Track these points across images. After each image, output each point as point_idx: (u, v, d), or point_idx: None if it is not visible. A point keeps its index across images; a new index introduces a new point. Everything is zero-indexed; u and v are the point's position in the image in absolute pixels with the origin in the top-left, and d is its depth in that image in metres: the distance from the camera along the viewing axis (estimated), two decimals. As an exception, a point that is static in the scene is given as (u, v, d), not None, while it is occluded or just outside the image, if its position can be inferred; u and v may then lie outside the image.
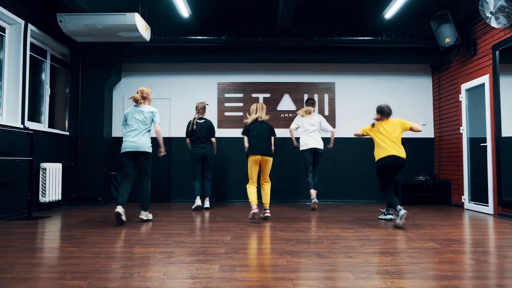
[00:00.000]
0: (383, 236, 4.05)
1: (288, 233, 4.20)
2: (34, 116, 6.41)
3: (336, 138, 7.64)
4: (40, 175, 6.02)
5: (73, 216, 5.60)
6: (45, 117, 6.59)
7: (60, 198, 6.43)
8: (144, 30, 6.25)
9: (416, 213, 6.05)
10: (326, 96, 7.88)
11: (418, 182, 7.25)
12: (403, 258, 3.12)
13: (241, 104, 7.84)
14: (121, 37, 6.35)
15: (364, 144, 7.75)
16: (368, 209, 6.52)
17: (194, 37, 6.77)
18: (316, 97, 7.84)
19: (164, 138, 7.61)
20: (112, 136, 7.54)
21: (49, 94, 6.68)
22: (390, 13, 6.14)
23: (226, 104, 7.85)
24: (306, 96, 7.85)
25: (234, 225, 4.81)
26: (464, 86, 6.70)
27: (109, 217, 5.46)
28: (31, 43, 6.11)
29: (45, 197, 6.01)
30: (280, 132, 7.62)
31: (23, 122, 5.70)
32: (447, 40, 6.35)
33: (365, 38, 6.80)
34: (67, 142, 7.03)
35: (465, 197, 6.67)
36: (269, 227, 4.69)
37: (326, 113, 7.83)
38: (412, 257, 3.13)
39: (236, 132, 7.70)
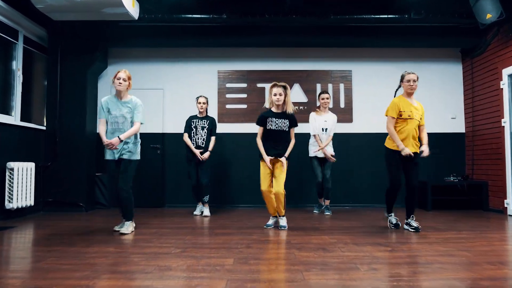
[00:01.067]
0: (435, 258, 3.07)
1: (307, 253, 3.23)
2: (4, 107, 5.46)
3: (353, 134, 6.73)
4: (7, 177, 5.06)
5: (44, 226, 4.64)
6: (16, 109, 5.62)
7: (32, 204, 5.48)
8: (130, 5, 5.30)
9: (455, 221, 5.06)
10: (341, 86, 6.89)
11: (450, 183, 6.25)
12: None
13: (244, 95, 6.87)
14: (105, 14, 5.41)
15: (384, 139, 6.75)
16: (402, 215, 5.54)
17: (190, 16, 5.80)
18: (330, 87, 6.86)
19: (157, 134, 6.69)
20: (97, 131, 6.56)
21: (22, 82, 5.71)
22: (422, -17, 5.16)
23: (228, 96, 6.88)
24: (318, 86, 6.88)
25: (237, 240, 3.84)
26: (507, 71, 5.71)
27: (88, 227, 4.50)
28: (-2, 21, 5.17)
29: (12, 202, 5.05)
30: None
31: (-16, 113, 4.75)
32: (488, 16, 5.35)
33: (389, 16, 5.81)
34: (44, 138, 6.07)
35: (509, 201, 5.68)
36: (282, 242, 3.72)
37: (342, 105, 6.85)
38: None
39: (239, 127, 6.73)
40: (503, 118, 5.79)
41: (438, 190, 6.30)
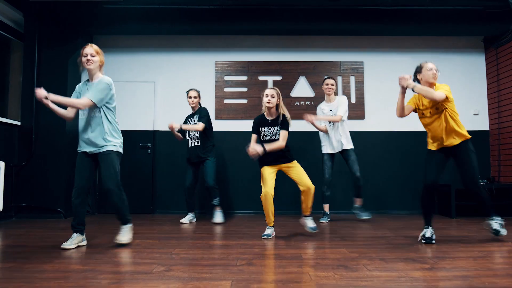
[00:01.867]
0: (491, 279, 2.37)
1: (326, 273, 2.52)
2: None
3: (365, 133, 6.03)
4: (-30, 178, 4.37)
5: (8, 236, 3.94)
6: (-15, 101, 4.95)
7: (1, 209, 4.76)
8: (114, -19, 4.63)
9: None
10: (352, 79, 6.22)
11: (476, 187, 5.54)
12: None
13: (245, 89, 6.19)
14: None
15: (400, 138, 6.09)
16: (415, 224, 4.85)
17: (184, -4, 5.13)
18: (339, 79, 6.18)
19: (147, 132, 6.01)
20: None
21: (-8, 71, 5.05)
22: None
23: (226, 89, 6.19)
24: (327, 79, 6.20)
25: (236, 254, 3.13)
26: (542, 60, 5.05)
27: (60, 237, 3.79)
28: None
29: (-25, 208, 4.36)
30: (296, 125, 5.99)
31: None
32: (523, -5, 4.70)
33: (408, -3, 5.15)
34: (18, 134, 5.38)
35: (545, 207, 4.99)
36: (292, 257, 3.01)
37: (353, 100, 6.17)
38: None
39: (239, 124, 6.05)
40: (537, 113, 5.12)
41: (462, 195, 5.60)
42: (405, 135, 6.08)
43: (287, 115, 3.90)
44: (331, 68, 6.19)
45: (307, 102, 6.12)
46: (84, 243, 3.44)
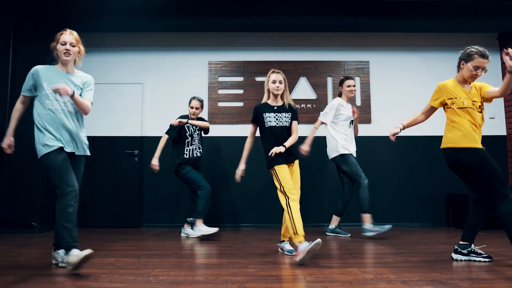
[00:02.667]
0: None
1: (338, 301, 1.99)
2: None
3: (372, 138, 5.52)
4: None
5: (-36, 254, 3.40)
6: (-49, 102, 4.45)
7: (-35, 223, 4.23)
8: (94, -32, 4.17)
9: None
10: (357, 80, 5.73)
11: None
12: None
13: (241, 91, 5.70)
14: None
15: (410, 143, 5.59)
16: (431, 238, 4.32)
17: (173, -13, 4.67)
18: (343, 80, 5.70)
19: (134, 138, 5.52)
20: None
21: (-40, 69, 4.56)
22: None
23: (221, 91, 5.71)
24: (330, 80, 5.74)
25: (226, 275, 2.60)
26: None
27: (26, 256, 3.25)
28: None
29: None
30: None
31: None
32: (548, -18, 4.25)
33: (419, -13, 4.70)
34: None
35: None
36: (293, 278, 2.47)
37: (358, 102, 5.68)
38: None
39: (234, 129, 5.55)
40: None
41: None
42: (416, 140, 5.58)
43: (293, 104, 3.47)
44: (334, 68, 5.71)
45: (308, 105, 5.63)
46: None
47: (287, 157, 3.28)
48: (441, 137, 3.21)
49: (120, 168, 5.46)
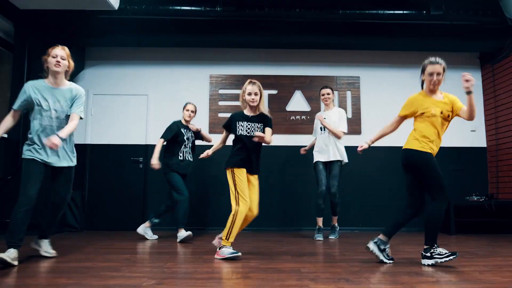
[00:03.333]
0: (503, 293, 2.23)
1: (327, 286, 2.37)
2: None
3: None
4: (-49, 190, 4.16)
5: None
6: (-29, 111, 4.79)
7: (-17, 224, 4.54)
8: (109, -9, 4.58)
9: (490, 245, 4.22)
10: (348, 94, 6.17)
11: (475, 203, 5.45)
12: None
13: (239, 103, 6.07)
14: (80, 3, 4.67)
15: (398, 153, 5.98)
16: (414, 240, 4.71)
17: (178, 7, 5.11)
18: (336, 94, 6.12)
19: (139, 146, 5.87)
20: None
21: (-20, 81, 4.90)
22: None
23: (221, 103, 6.10)
24: (323, 93, 6.15)
25: (231, 267, 2.96)
26: (539, 75, 5.04)
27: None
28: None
29: (-45, 221, 4.14)
30: (291, 140, 5.92)
31: None
32: (519, 10, 4.72)
33: (406, 12, 5.17)
34: (4, 147, 5.20)
35: (546, 223, 4.88)
36: (290, 271, 2.84)
37: (349, 115, 6.09)
38: None
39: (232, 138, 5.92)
40: (535, 127, 5.07)
41: (461, 211, 5.48)
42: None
43: (269, 115, 3.59)
44: (327, 83, 6.13)
45: (303, 117, 6.03)
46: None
47: (250, 167, 3.46)
48: None
49: (126, 174, 5.81)
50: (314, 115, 5.95)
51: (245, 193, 3.35)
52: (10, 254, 2.90)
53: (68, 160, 3.30)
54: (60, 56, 3.14)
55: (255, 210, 3.49)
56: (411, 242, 4.53)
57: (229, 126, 3.60)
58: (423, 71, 3.39)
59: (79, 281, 2.46)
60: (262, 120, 3.54)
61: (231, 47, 6.06)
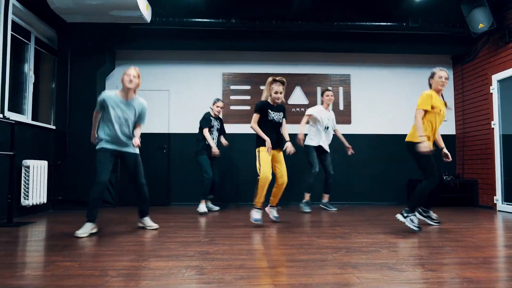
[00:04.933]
0: (445, 243, 3.38)
1: (328, 240, 3.50)
2: (16, 106, 5.56)
3: (351, 135, 6.97)
4: (23, 174, 5.17)
5: (63, 222, 4.78)
6: (28, 107, 5.74)
7: (45, 201, 5.59)
8: (145, 8, 5.51)
9: (450, 215, 5.41)
10: (341, 89, 7.23)
11: (445, 182, 6.64)
12: (499, 270, 2.45)
13: (248, 97, 7.12)
14: (119, 17, 5.60)
15: (381, 140, 7.13)
16: (394, 211, 5.89)
17: (200, 20, 6.05)
18: (330, 90, 7.19)
19: (163, 134, 6.88)
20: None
21: (33, 82, 5.84)
22: (421, -7, 5.55)
23: (232, 97, 7.12)
24: (318, 89, 7.19)
25: (258, 230, 4.07)
26: (496, 77, 6.13)
27: (106, 223, 4.66)
28: (13, 21, 5.28)
29: (28, 199, 5.16)
30: (292, 129, 6.96)
31: (2, 111, 4.86)
32: (481, 25, 5.78)
33: (389, 24, 6.20)
34: (53, 137, 6.19)
35: (498, 197, 6.08)
36: (300, 232, 3.96)
37: (341, 107, 7.18)
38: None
39: (242, 128, 6.97)
40: (492, 120, 6.20)
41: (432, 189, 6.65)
42: (386, 138, 7.12)
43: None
44: (322, 80, 7.18)
45: (302, 109, 7.08)
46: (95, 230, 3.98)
47: (277, 142, 4.46)
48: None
49: (152, 159, 6.84)
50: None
51: (265, 167, 4.32)
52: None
53: (132, 148, 4.16)
54: (132, 75, 3.89)
55: (285, 177, 4.50)
56: (390, 212, 5.69)
57: (262, 111, 4.41)
58: (432, 76, 4.21)
59: (155, 239, 3.54)
60: (282, 110, 4.57)
61: (241, 50, 7.01)
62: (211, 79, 7.12)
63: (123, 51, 6.98)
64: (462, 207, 6.52)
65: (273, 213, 4.71)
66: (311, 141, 5.96)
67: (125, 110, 3.99)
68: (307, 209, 5.77)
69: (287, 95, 7.14)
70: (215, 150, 5.75)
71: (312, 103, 7.09)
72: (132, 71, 3.92)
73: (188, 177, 6.87)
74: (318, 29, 6.26)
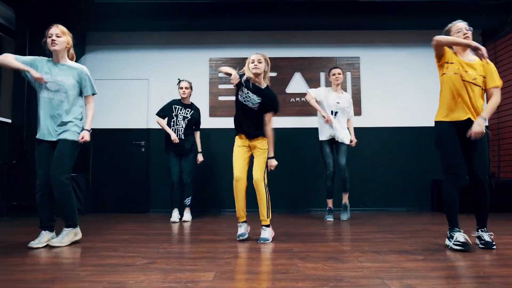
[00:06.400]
0: (482, 268, 2.28)
1: (315, 264, 2.43)
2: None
3: (362, 129, 5.86)
4: (-43, 175, 4.29)
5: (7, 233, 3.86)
6: (-25, 98, 4.89)
7: (-8, 208, 4.69)
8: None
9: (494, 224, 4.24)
10: (348, 75, 6.14)
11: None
12: None
13: (239, 86, 6.10)
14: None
15: (397, 133, 6.00)
16: (415, 220, 4.75)
17: (176, -9, 5.07)
18: (335, 75, 6.10)
19: (141, 130, 5.95)
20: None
21: (-17, 68, 4.99)
22: None
23: (220, 86, 6.12)
24: (322, 75, 6.13)
25: (224, 248, 3.04)
26: (540, 52, 4.96)
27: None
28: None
29: (-37, 205, 4.28)
30: (291, 122, 5.94)
31: None
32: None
33: (405, -11, 5.08)
34: (8, 132, 5.31)
35: (545, 202, 4.88)
36: (282, 250, 2.92)
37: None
38: None
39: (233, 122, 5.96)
40: (536, 105, 5.02)
41: (462, 191, 5.46)
42: (404, 131, 6.00)
43: (273, 92, 3.45)
44: (327, 64, 6.11)
45: (303, 99, 6.03)
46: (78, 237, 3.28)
47: (246, 131, 3.45)
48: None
49: (128, 158, 5.90)
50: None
51: (235, 162, 3.44)
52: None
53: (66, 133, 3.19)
54: (55, 34, 3.14)
55: (255, 174, 3.37)
56: (409, 221, 4.57)
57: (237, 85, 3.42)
58: (449, 30, 3.14)
59: (75, 261, 2.56)
60: (262, 95, 3.37)
61: (230, 30, 6.03)
62: (197, 65, 6.14)
63: (95, 34, 6.09)
64: (499, 214, 5.30)
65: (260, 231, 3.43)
66: (321, 135, 4.89)
67: (57, 75, 3.14)
68: (328, 218, 4.75)
69: (285, 83, 6.10)
70: (174, 137, 4.75)
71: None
72: (53, 29, 3.17)
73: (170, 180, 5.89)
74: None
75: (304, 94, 6.03)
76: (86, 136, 3.21)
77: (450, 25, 3.15)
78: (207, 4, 5.38)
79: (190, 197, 4.95)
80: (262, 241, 3.23)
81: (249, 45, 6.15)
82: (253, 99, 3.38)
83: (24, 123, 5.33)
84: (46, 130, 3.14)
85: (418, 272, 2.21)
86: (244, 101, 3.40)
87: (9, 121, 5.33)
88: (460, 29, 3.05)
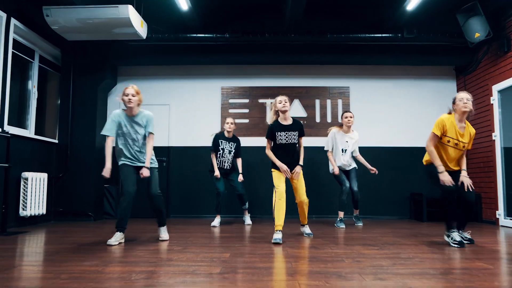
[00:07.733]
0: (417, 254, 3.29)
1: (299, 250, 3.46)
2: (20, 121, 5.84)
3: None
4: (21, 186, 5.37)
5: (56, 232, 4.92)
6: (31, 122, 5.99)
7: (44, 212, 5.76)
8: (139, 25, 5.68)
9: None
10: (339, 102, 7.20)
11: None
12: (451, 281, 2.37)
13: (246, 111, 7.19)
14: (116, 34, 5.78)
15: (382, 152, 7.02)
16: (396, 225, 5.75)
17: (194, 35, 6.20)
18: (329, 102, 7.18)
19: (163, 147, 7.01)
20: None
21: (37, 97, 6.10)
22: (412, 4, 5.53)
23: (231, 111, 7.21)
24: (317, 102, 7.19)
25: (236, 241, 4.08)
26: (496, 87, 5.98)
27: (96, 233, 4.76)
28: (17, 41, 5.57)
29: (26, 210, 5.34)
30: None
31: (1, 126, 5.09)
32: (477, 35, 5.68)
33: (383, 35, 6.17)
34: (56, 151, 6.41)
35: (500, 212, 5.86)
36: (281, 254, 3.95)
37: (340, 120, 7.11)
38: (463, 280, 2.38)
39: (242, 141, 7.02)
40: (493, 132, 6.02)
41: (432, 202, 6.47)
42: (387, 151, 7.01)
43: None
44: (321, 92, 7.18)
45: (301, 122, 7.06)
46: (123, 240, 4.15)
47: (287, 162, 4.15)
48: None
49: (152, 172, 6.96)
50: (310, 121, 7.05)
51: (277, 181, 4.13)
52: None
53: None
54: (131, 94, 3.90)
55: (301, 197, 4.22)
56: (394, 229, 5.57)
57: (271, 135, 4.20)
58: (454, 101, 3.95)
59: (129, 247, 3.61)
60: (296, 128, 4.25)
61: (239, 64, 7.11)
62: (210, 92, 7.24)
63: (125, 67, 7.22)
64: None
65: (305, 231, 4.53)
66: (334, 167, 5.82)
67: (133, 126, 4.03)
68: (341, 225, 5.63)
69: (286, 108, 7.16)
70: (216, 174, 5.63)
71: (311, 116, 7.10)
72: (130, 89, 3.95)
73: (187, 190, 6.95)
74: (311, 41, 6.30)
75: (302, 118, 7.12)
76: (145, 173, 4.01)
77: (456, 94, 3.99)
78: (218, 45, 6.50)
79: (247, 202, 5.89)
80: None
81: (255, 76, 7.24)
82: (294, 135, 4.24)
83: (68, 144, 6.43)
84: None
85: (369, 256, 3.23)
86: (286, 141, 4.19)
87: (56, 141, 6.43)
88: (461, 98, 3.86)
